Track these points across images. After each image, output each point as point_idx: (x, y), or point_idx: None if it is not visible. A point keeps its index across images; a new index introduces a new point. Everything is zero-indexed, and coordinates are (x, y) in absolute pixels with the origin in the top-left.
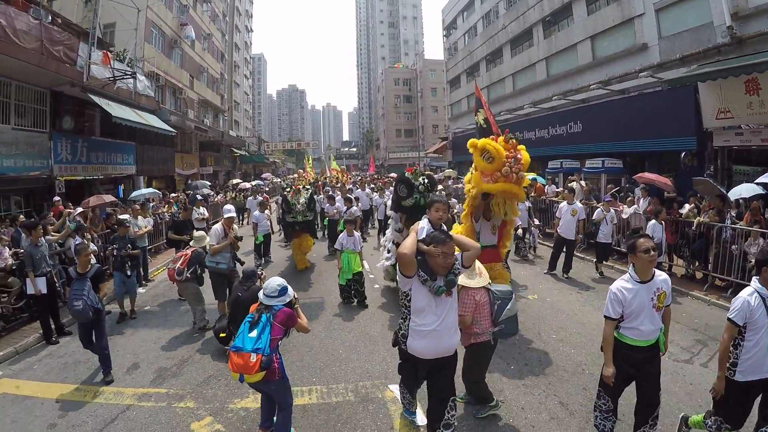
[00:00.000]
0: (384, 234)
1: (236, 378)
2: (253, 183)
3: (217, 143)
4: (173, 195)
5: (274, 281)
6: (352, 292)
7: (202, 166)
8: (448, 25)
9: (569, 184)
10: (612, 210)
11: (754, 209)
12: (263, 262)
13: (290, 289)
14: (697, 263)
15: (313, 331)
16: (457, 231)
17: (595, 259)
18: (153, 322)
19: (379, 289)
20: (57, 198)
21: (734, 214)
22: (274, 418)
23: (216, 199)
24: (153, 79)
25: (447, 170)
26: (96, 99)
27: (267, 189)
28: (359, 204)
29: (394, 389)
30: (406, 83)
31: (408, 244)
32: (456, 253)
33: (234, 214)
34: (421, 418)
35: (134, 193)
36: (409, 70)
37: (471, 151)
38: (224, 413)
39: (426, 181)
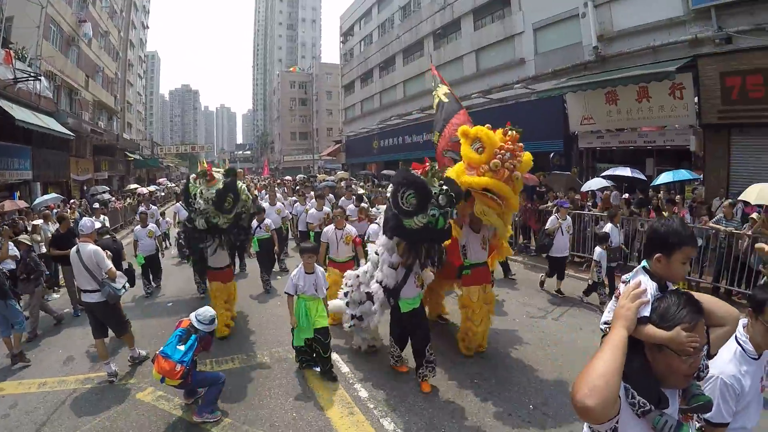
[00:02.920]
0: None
1: (158, 379)
2: (151, 188)
3: (111, 147)
4: (72, 201)
5: (208, 312)
6: (314, 355)
7: (97, 171)
8: (346, 31)
9: None
10: (568, 218)
11: (605, 199)
12: (154, 287)
13: (216, 320)
14: None
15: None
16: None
17: (544, 276)
18: (74, 321)
19: None
20: None
21: (590, 204)
22: (198, 389)
23: (116, 206)
24: (51, 79)
25: (340, 172)
26: None
27: (162, 194)
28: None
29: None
30: (302, 86)
31: (605, 369)
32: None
33: (97, 226)
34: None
35: (38, 200)
36: (305, 74)
37: (461, 140)
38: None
39: (446, 189)
